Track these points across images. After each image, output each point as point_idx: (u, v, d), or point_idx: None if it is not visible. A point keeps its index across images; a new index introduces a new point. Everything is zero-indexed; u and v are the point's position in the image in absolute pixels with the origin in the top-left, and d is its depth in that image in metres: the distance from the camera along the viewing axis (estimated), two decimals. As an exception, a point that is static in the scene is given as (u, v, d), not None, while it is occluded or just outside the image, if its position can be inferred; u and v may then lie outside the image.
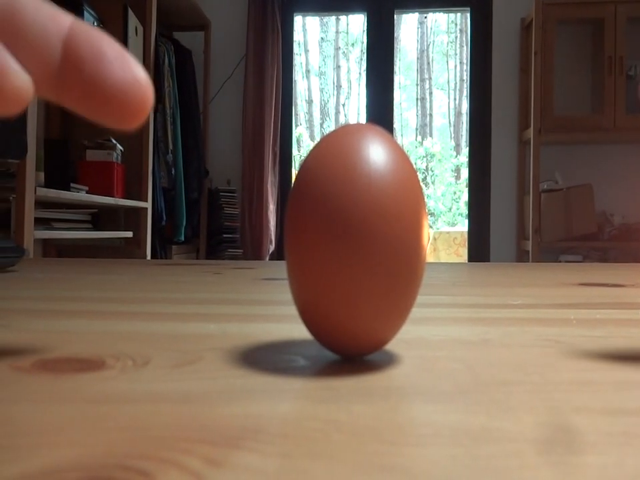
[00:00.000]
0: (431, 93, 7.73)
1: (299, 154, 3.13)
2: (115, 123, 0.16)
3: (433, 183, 6.98)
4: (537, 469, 0.12)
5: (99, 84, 0.15)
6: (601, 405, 0.16)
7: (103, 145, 2.13)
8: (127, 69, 0.16)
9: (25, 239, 1.46)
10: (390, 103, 2.98)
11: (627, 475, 0.11)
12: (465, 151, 3.07)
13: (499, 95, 2.85)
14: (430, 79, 7.63)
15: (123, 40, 2.07)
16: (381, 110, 2.97)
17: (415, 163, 6.59)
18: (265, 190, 2.75)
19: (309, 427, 0.14)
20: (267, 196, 2.76)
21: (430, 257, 5.18)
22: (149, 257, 2.30)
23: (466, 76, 3.04)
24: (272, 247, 2.81)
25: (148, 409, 0.15)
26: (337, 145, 0.19)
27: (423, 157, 7.11)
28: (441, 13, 3.19)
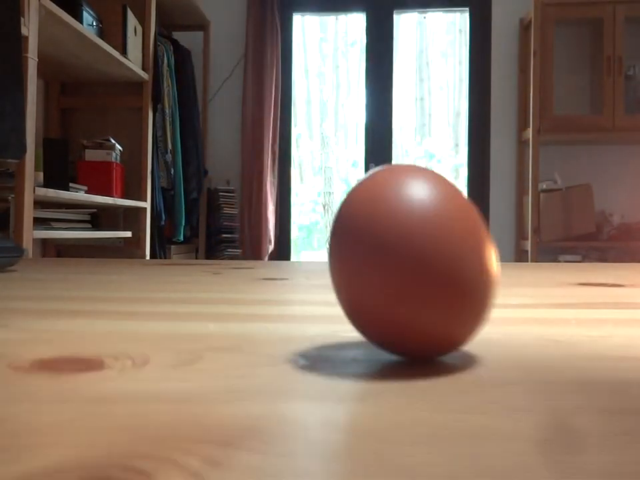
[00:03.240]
0: (430, 93, 7.73)
1: (298, 154, 3.13)
2: None
3: (432, 182, 6.97)
4: (537, 469, 0.12)
5: None
6: (601, 405, 0.16)
7: (102, 144, 2.12)
8: None
9: (24, 238, 1.46)
10: (389, 102, 2.98)
11: (627, 474, 0.11)
12: (464, 151, 3.07)
13: (497, 95, 2.85)
14: (429, 78, 7.63)
15: (122, 40, 2.07)
16: (380, 110, 2.97)
17: (414, 163, 6.57)
18: (264, 190, 2.75)
19: (309, 426, 0.14)
20: (266, 196, 2.76)
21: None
22: (148, 257, 2.30)
23: (465, 76, 3.04)
24: (271, 247, 2.81)
25: (148, 409, 0.15)
26: (383, 183, 0.20)
27: (422, 157, 7.11)
28: (440, 13, 3.18)
